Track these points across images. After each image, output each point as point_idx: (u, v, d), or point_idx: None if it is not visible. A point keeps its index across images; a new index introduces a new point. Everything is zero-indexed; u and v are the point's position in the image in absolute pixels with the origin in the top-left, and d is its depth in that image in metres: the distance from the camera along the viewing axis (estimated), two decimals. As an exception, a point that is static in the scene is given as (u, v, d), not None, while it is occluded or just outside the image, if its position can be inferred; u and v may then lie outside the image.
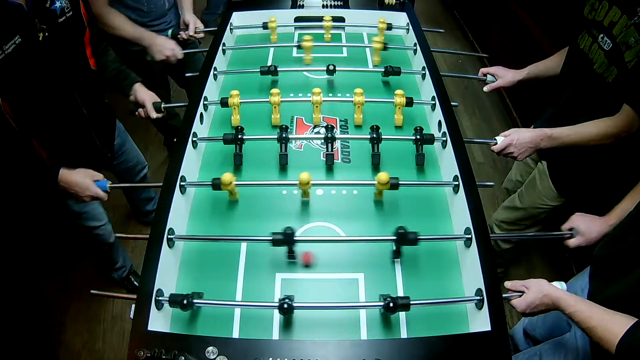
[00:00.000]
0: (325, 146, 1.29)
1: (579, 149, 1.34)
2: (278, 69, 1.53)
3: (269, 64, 1.67)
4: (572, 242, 1.18)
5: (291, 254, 1.07)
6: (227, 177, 1.13)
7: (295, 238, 1.02)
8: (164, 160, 2.67)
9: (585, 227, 1.16)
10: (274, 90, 1.37)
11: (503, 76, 1.56)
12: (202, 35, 1.88)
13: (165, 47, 1.73)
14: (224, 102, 1.38)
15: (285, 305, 0.90)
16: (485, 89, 1.60)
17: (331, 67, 1.51)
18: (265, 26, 1.74)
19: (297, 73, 1.63)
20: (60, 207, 1.52)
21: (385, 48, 1.62)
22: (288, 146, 1.31)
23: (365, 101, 1.39)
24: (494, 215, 1.84)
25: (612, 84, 1.22)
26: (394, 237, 1.03)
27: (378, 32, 1.71)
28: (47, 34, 1.16)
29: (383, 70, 1.54)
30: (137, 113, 1.50)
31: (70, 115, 1.32)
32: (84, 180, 1.24)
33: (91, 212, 1.60)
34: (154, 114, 1.47)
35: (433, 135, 1.29)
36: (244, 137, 1.28)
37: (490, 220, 1.83)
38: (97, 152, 1.48)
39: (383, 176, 1.13)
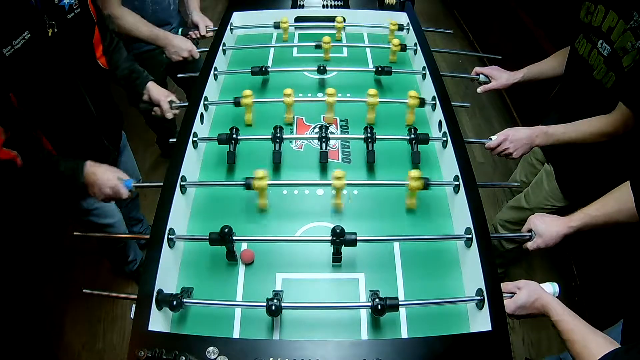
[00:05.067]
0: (324, 146, 1.28)
1: (586, 153, 1.33)
2: (270, 69, 1.53)
3: (269, 64, 1.67)
4: (530, 245, 1.14)
5: (231, 255, 1.06)
6: (260, 172, 1.12)
7: (234, 238, 1.01)
8: (166, 160, 2.67)
9: (544, 228, 1.11)
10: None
11: (497, 78, 1.55)
12: (212, 34, 1.85)
13: (182, 49, 1.71)
14: (237, 102, 1.39)
15: (273, 307, 0.90)
16: (479, 90, 1.60)
17: (322, 67, 1.52)
18: (277, 26, 1.74)
19: (297, 73, 1.62)
20: (72, 205, 1.51)
21: (403, 49, 1.64)
22: (288, 146, 1.30)
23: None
24: (498, 215, 1.84)
25: (610, 90, 1.22)
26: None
27: (389, 33, 1.73)
28: (56, 30, 1.15)
29: (374, 69, 1.55)
30: (153, 112, 1.50)
31: (78, 111, 1.32)
32: (111, 173, 1.23)
33: (102, 209, 1.58)
34: (170, 115, 1.46)
35: (427, 135, 1.29)
36: (238, 137, 1.28)
37: (494, 220, 1.83)
38: (104, 149, 1.47)
39: (415, 172, 1.13)
